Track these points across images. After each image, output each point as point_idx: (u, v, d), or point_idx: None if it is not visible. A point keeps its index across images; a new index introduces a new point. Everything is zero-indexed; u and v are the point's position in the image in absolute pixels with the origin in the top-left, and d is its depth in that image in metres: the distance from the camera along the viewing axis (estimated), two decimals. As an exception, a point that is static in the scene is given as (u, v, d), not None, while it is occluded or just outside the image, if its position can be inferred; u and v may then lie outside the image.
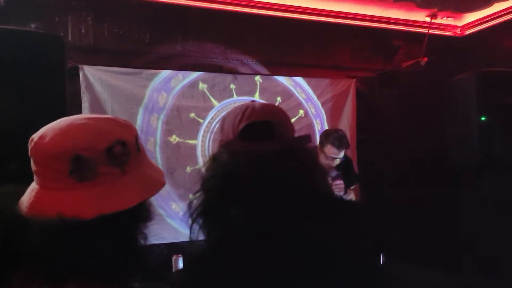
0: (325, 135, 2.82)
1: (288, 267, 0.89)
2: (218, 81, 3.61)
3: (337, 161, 2.77)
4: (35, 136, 0.79)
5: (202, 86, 3.55)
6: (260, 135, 1.02)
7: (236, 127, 1.03)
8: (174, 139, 3.44)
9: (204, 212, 1.02)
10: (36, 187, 0.80)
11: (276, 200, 0.92)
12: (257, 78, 3.75)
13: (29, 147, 0.79)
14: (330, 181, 2.65)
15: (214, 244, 0.98)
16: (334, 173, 2.75)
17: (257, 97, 3.74)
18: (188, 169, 3.49)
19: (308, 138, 1.10)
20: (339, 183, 2.73)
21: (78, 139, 0.78)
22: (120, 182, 0.80)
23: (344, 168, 2.85)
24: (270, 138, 1.01)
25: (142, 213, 0.84)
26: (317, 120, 3.95)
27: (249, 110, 1.06)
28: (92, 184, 0.77)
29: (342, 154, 2.76)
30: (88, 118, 0.83)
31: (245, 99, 3.67)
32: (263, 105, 1.10)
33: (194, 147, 3.52)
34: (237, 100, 3.67)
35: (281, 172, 0.96)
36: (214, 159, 1.04)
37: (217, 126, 3.60)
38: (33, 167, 0.80)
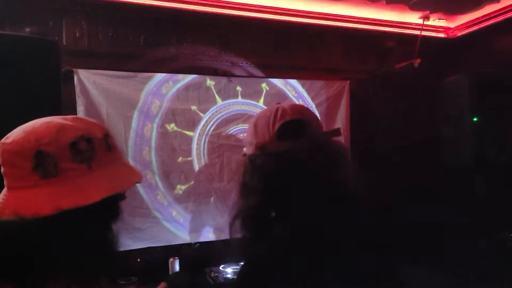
0: None
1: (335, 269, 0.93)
2: (213, 83, 3.62)
3: None
4: (3, 139, 0.80)
5: (194, 91, 3.55)
6: (295, 133, 1.06)
7: (272, 128, 1.06)
8: (169, 154, 3.44)
9: (248, 215, 1.03)
10: (5, 190, 0.80)
11: (319, 200, 0.97)
12: (264, 84, 3.77)
13: None
14: None
15: (268, 246, 0.98)
16: None
17: (239, 99, 3.75)
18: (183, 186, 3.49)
19: (338, 131, 1.14)
20: None
21: (40, 134, 0.78)
22: (85, 178, 0.78)
23: None
24: (303, 135, 1.05)
25: (109, 210, 0.83)
26: (312, 121, 3.97)
27: (280, 111, 1.10)
28: (56, 180, 0.76)
29: None
30: (53, 117, 0.84)
31: (247, 102, 3.70)
32: (292, 105, 1.14)
33: (189, 149, 3.52)
34: (240, 102, 3.69)
35: (318, 169, 1.01)
36: (253, 162, 1.06)
37: (212, 129, 3.61)
38: (1, 170, 0.80)
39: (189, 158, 3.51)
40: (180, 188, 3.47)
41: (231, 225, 1.07)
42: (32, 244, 0.72)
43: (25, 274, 0.73)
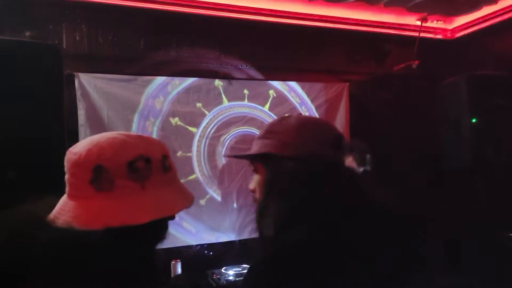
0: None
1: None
2: (213, 87, 3.64)
3: None
4: (71, 147, 0.85)
5: (195, 94, 3.57)
6: (342, 147, 1.17)
7: (326, 139, 1.14)
8: (172, 130, 3.46)
9: (278, 216, 1.05)
10: (65, 197, 0.83)
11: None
12: (242, 81, 3.78)
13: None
14: None
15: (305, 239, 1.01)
16: None
17: (246, 101, 3.77)
18: (184, 180, 3.51)
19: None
20: None
21: (102, 150, 0.81)
22: (137, 197, 0.81)
23: None
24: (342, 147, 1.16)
25: (155, 232, 0.86)
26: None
27: (326, 124, 1.23)
28: (109, 195, 0.79)
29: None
30: (121, 134, 0.86)
31: (236, 104, 3.71)
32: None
33: (189, 151, 3.54)
34: (228, 106, 3.70)
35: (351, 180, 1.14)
36: (307, 168, 1.09)
37: (212, 132, 3.62)
38: (66, 176, 0.84)
39: (189, 155, 3.52)
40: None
41: (259, 223, 1.11)
42: (76, 256, 0.75)
43: (56, 283, 0.75)
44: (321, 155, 1.11)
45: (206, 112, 3.61)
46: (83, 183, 0.80)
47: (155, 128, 3.42)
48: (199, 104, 3.58)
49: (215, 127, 3.63)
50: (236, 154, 1.36)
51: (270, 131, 1.16)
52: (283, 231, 1.01)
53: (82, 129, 3.17)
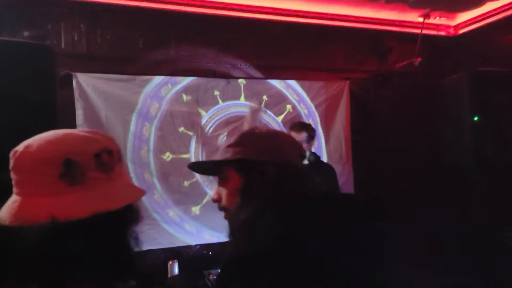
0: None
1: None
2: (211, 86, 3.62)
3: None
4: (19, 148, 0.83)
5: (193, 93, 3.55)
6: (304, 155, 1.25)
7: (295, 147, 1.22)
8: (167, 156, 3.45)
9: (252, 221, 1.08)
10: (18, 198, 0.81)
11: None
12: (241, 80, 3.74)
13: (13, 159, 0.82)
14: None
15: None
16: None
17: (242, 100, 3.74)
18: (186, 183, 3.49)
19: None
20: None
21: (68, 144, 0.82)
22: (108, 186, 0.84)
23: (321, 172, 3.02)
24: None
25: (132, 215, 0.88)
26: (311, 122, 3.95)
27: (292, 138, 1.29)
28: (82, 187, 0.81)
29: (303, 136, 2.96)
30: (73, 130, 0.89)
31: (232, 104, 3.69)
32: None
33: (188, 151, 3.53)
34: (225, 106, 3.68)
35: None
36: (286, 173, 1.15)
37: (210, 131, 3.60)
38: (15, 178, 0.82)
39: (186, 157, 3.51)
40: (180, 191, 3.47)
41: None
42: (68, 248, 0.76)
43: (49, 276, 0.76)
44: (293, 161, 1.17)
45: (204, 112, 3.59)
46: (52, 179, 0.79)
47: (153, 128, 3.41)
48: (196, 104, 3.56)
49: (213, 127, 3.61)
50: (207, 160, 1.43)
51: (243, 141, 1.19)
52: (259, 232, 1.02)
53: (80, 128, 3.16)
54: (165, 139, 3.43)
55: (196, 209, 3.51)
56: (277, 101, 3.83)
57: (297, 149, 1.22)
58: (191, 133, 3.54)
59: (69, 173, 0.79)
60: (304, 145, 2.90)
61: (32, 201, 0.80)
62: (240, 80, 3.73)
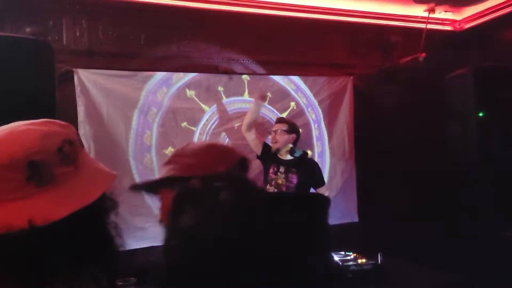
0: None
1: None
2: (213, 82, 3.60)
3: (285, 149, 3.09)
4: None
5: (194, 89, 3.53)
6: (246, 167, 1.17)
7: (231, 160, 1.15)
8: (170, 151, 3.43)
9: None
10: None
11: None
12: (245, 76, 3.71)
13: None
14: (282, 173, 3.10)
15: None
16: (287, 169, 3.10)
17: (246, 96, 3.71)
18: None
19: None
20: (292, 176, 3.08)
21: (27, 144, 0.77)
22: (77, 179, 0.80)
23: (304, 168, 3.10)
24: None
25: (107, 203, 0.85)
26: (314, 118, 3.93)
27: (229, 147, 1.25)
28: (52, 186, 0.77)
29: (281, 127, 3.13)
30: (27, 124, 0.82)
31: (236, 100, 3.67)
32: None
33: (191, 137, 3.52)
34: (227, 102, 3.65)
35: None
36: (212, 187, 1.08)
37: (212, 128, 3.59)
38: None
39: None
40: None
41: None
42: (48, 250, 0.73)
43: (35, 282, 0.74)
44: (225, 173, 1.07)
45: (206, 108, 3.57)
46: (17, 183, 0.75)
47: (155, 125, 3.40)
48: (198, 100, 3.54)
49: (215, 123, 3.59)
50: (146, 181, 1.37)
51: (174, 157, 1.19)
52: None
53: (82, 125, 3.16)
54: (167, 136, 3.42)
55: None
56: (281, 98, 3.80)
57: (234, 162, 1.16)
58: (194, 128, 3.52)
59: (35, 175, 0.75)
60: (290, 140, 3.12)
61: (4, 208, 0.76)
62: (244, 76, 3.70)
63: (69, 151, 0.80)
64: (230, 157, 1.17)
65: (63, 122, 0.86)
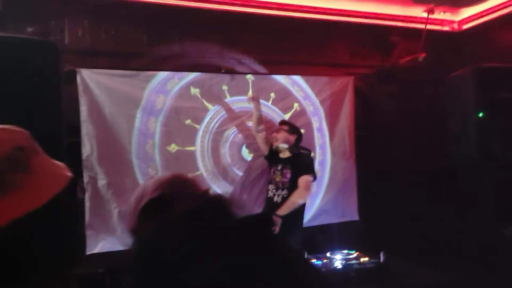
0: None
1: None
2: (216, 81, 3.61)
3: (283, 146, 3.27)
4: None
5: (197, 88, 3.55)
6: (156, 212, 1.01)
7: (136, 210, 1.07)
8: (173, 148, 3.45)
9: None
10: None
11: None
12: (249, 76, 3.73)
13: None
14: (279, 171, 3.25)
15: None
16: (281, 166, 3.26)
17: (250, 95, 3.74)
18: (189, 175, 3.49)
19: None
20: (286, 172, 3.22)
21: None
22: (28, 183, 0.80)
23: (297, 162, 3.23)
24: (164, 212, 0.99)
25: (61, 204, 0.85)
26: (315, 118, 3.95)
27: (142, 190, 1.10)
28: (7, 194, 0.77)
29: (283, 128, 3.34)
30: None
31: (239, 99, 3.68)
32: (156, 180, 1.13)
33: (193, 152, 3.53)
34: (231, 101, 3.67)
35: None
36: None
37: (215, 127, 3.60)
38: None
39: (192, 150, 3.51)
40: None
41: None
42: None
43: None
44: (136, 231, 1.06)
45: (210, 107, 3.58)
46: None
47: (158, 124, 3.40)
48: (202, 98, 3.55)
49: (218, 122, 3.61)
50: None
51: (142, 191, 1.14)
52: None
53: (85, 125, 3.16)
54: (171, 135, 3.43)
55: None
56: (283, 97, 3.82)
57: (190, 191, 1.11)
58: (197, 126, 3.53)
59: None
60: (290, 139, 3.29)
61: None
62: (248, 76, 3.72)
63: (20, 158, 0.80)
64: (194, 190, 1.13)
65: (15, 128, 0.87)
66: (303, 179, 3.12)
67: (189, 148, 3.51)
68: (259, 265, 0.88)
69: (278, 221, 2.94)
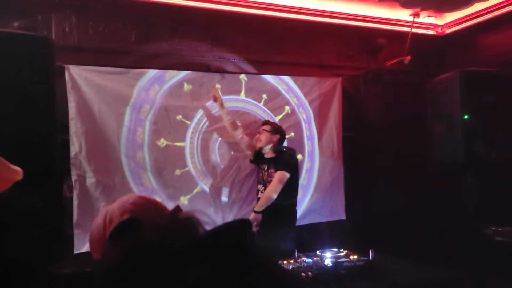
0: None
1: None
2: (206, 80, 3.60)
3: (267, 147, 3.35)
4: None
5: (187, 87, 3.53)
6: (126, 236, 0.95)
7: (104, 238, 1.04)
8: (162, 142, 3.42)
9: None
10: None
11: None
12: (242, 76, 3.74)
13: None
14: (266, 171, 3.35)
15: None
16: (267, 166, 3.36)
17: (242, 96, 3.74)
18: (178, 171, 3.47)
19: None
20: (271, 171, 3.32)
21: None
22: None
23: (280, 160, 3.32)
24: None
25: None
26: (304, 117, 3.99)
27: (108, 216, 1.07)
28: None
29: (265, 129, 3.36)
30: None
31: (231, 98, 3.68)
32: (120, 204, 1.10)
33: (182, 149, 3.50)
34: (223, 100, 3.66)
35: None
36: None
37: (205, 126, 3.59)
38: None
39: (181, 145, 3.49)
40: (173, 185, 3.45)
41: None
42: None
43: None
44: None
45: (187, 122, 3.55)
46: None
47: (147, 122, 3.37)
48: (179, 117, 3.51)
49: (208, 121, 3.60)
50: None
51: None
52: None
53: (73, 122, 3.11)
54: (160, 133, 3.41)
55: (184, 199, 3.48)
56: (273, 97, 3.84)
57: (158, 212, 1.09)
58: (188, 122, 3.51)
59: None
60: (273, 139, 3.34)
61: None
62: (242, 76, 3.73)
63: None
64: (161, 211, 1.10)
65: None
66: (278, 173, 3.24)
67: (178, 144, 3.48)
68: (234, 274, 0.84)
69: (258, 217, 3.13)
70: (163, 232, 0.90)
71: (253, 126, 3.67)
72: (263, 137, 3.37)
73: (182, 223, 0.94)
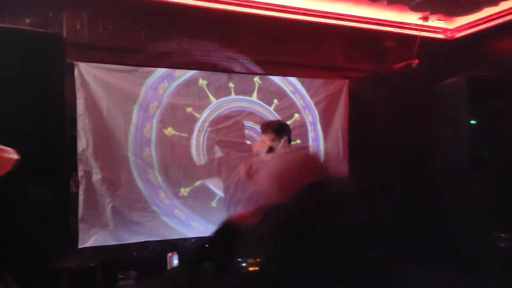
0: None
1: None
2: (215, 79, 3.62)
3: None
4: None
5: (202, 82, 3.55)
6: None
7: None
8: (169, 131, 3.44)
9: None
10: None
11: None
12: (256, 79, 3.77)
13: None
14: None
15: None
16: None
17: (254, 98, 3.76)
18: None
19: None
20: None
21: None
22: None
23: None
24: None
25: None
26: (310, 119, 3.99)
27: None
28: None
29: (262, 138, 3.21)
30: None
31: (242, 98, 3.70)
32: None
33: (188, 144, 3.52)
34: (234, 99, 3.69)
35: None
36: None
37: (211, 124, 3.61)
38: None
39: (187, 143, 3.52)
40: (180, 184, 3.48)
41: None
42: None
43: None
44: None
45: (213, 99, 3.60)
46: None
47: (154, 120, 3.40)
48: (189, 109, 3.54)
49: (214, 120, 3.62)
50: None
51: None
52: None
53: (81, 118, 3.15)
54: (167, 126, 3.43)
55: (185, 191, 3.50)
56: (279, 98, 3.85)
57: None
58: (198, 115, 3.53)
59: None
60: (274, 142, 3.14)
61: None
62: (256, 79, 3.76)
63: None
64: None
65: None
66: None
67: (184, 135, 3.49)
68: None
69: None
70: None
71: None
72: (259, 146, 3.18)
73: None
